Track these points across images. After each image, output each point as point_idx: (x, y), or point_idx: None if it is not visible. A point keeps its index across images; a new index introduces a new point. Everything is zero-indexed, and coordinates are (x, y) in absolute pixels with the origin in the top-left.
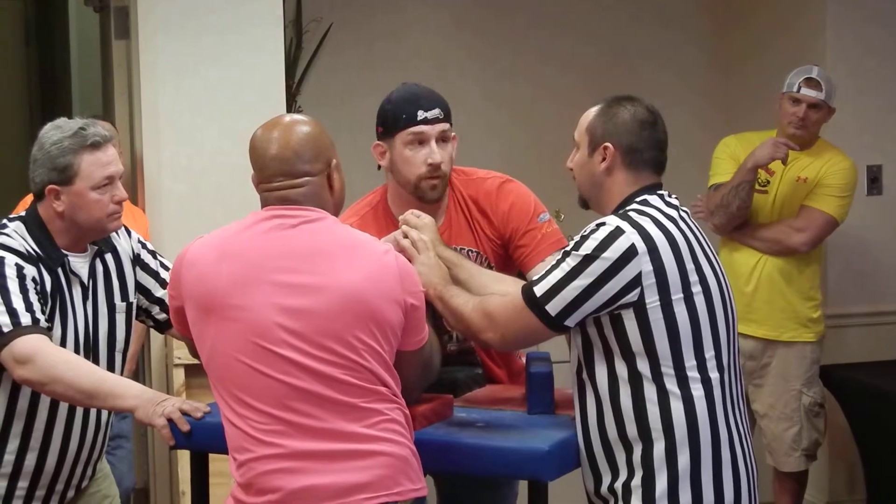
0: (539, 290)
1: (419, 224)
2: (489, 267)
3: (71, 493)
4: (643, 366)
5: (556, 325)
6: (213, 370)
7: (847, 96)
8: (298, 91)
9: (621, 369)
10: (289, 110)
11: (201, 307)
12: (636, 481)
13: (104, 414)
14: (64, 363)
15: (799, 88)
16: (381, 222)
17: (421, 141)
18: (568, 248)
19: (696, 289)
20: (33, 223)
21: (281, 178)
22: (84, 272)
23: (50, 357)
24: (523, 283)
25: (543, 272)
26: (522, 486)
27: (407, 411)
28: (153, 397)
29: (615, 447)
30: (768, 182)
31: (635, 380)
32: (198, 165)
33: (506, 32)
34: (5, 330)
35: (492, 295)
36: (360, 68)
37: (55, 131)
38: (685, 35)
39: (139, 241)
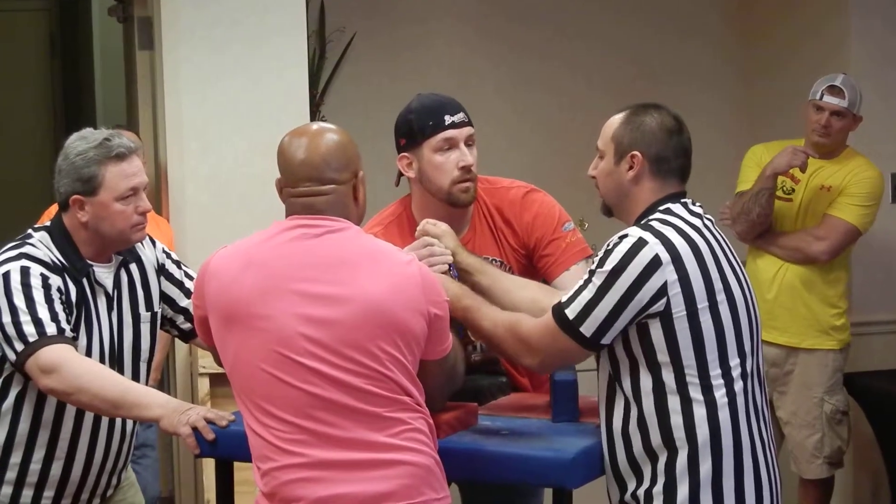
0: (571, 312)
1: (438, 233)
2: (510, 273)
3: (96, 502)
4: (668, 376)
5: (592, 345)
6: (237, 379)
7: (871, 105)
8: (322, 101)
9: (646, 380)
10: (312, 120)
11: (225, 317)
12: (658, 488)
13: (129, 423)
14: (89, 373)
15: (822, 96)
16: (405, 233)
17: (451, 146)
18: (593, 267)
19: (721, 297)
20: (58, 233)
21: (308, 183)
22: (109, 282)
23: (75, 367)
24: (548, 288)
25: (572, 292)
26: (547, 494)
27: (430, 420)
28: (178, 406)
29: (640, 458)
30: (793, 190)
31: (660, 390)
32: (222, 175)
33: (529, 42)
34: (31, 339)
35: (520, 316)
36: (383, 78)
37: (80, 142)
38: (709, 45)
39: (164, 251)
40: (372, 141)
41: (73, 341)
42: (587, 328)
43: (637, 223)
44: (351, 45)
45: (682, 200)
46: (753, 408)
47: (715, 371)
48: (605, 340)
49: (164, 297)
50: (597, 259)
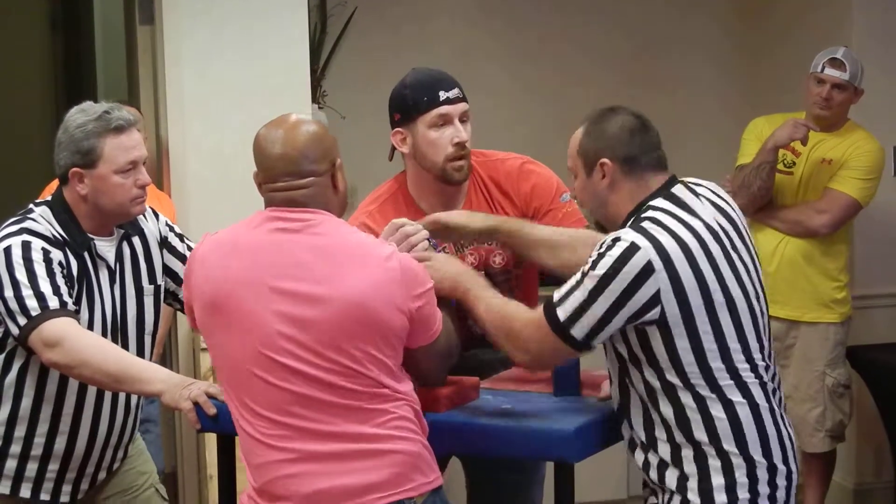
0: (562, 313)
1: (417, 231)
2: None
3: (102, 475)
4: (672, 377)
5: (583, 347)
6: (221, 374)
7: (874, 77)
8: (323, 75)
9: (653, 380)
10: (313, 94)
11: (209, 304)
12: (691, 476)
13: (133, 398)
14: (92, 347)
15: (823, 69)
16: (401, 209)
17: (445, 122)
18: (585, 268)
19: (718, 297)
20: (59, 207)
21: (286, 177)
22: (111, 256)
23: (78, 341)
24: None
25: (565, 291)
26: (549, 469)
27: (417, 405)
28: (180, 382)
29: (662, 447)
30: (794, 163)
31: (669, 390)
32: (223, 150)
33: (531, 16)
34: (34, 313)
35: (515, 309)
36: (385, 52)
37: (80, 114)
38: (711, 19)
39: (167, 224)
40: (373, 114)
41: (76, 315)
42: (578, 331)
43: (629, 224)
44: (352, 19)
45: (670, 191)
46: (772, 396)
47: (720, 371)
48: (596, 342)
49: (167, 271)
50: (590, 260)
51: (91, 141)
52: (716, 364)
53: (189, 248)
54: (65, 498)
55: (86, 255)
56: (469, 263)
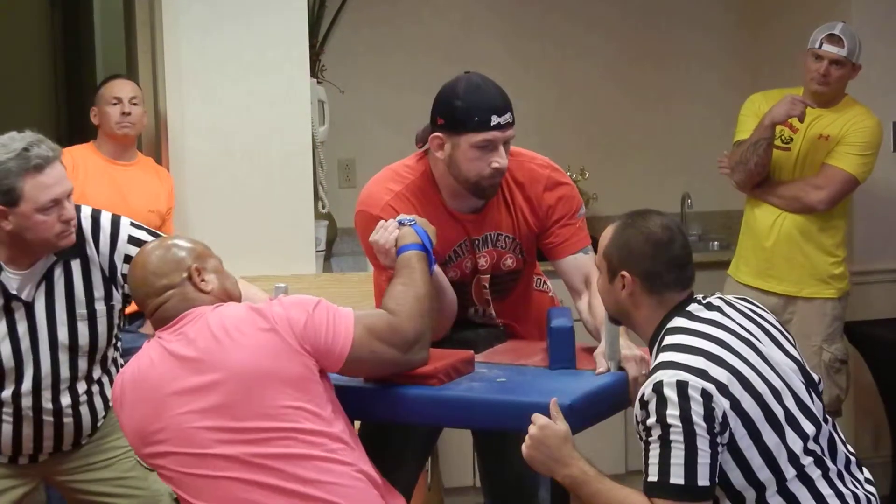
0: (676, 478)
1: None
2: (519, 251)
3: (66, 448)
4: (751, 494)
5: (709, 495)
6: (181, 494)
7: (874, 52)
8: (322, 50)
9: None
10: (312, 68)
11: (140, 442)
12: None
13: (85, 383)
14: None
15: (821, 45)
16: (423, 203)
17: (490, 147)
18: (659, 432)
19: (762, 387)
20: None
21: (150, 300)
22: (27, 287)
23: None
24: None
25: (657, 465)
26: None
27: (347, 440)
28: None
29: None
30: (791, 139)
31: (736, 497)
32: (222, 124)
33: None
34: None
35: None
36: (384, 27)
37: (0, 150)
38: None
39: (129, 239)
40: (372, 88)
41: None
42: (702, 478)
43: (653, 352)
44: None
45: (687, 310)
46: (830, 468)
47: (784, 462)
48: (715, 481)
49: None
50: (650, 421)
51: (10, 181)
52: (779, 454)
53: None
54: (23, 461)
55: None
56: (481, 266)
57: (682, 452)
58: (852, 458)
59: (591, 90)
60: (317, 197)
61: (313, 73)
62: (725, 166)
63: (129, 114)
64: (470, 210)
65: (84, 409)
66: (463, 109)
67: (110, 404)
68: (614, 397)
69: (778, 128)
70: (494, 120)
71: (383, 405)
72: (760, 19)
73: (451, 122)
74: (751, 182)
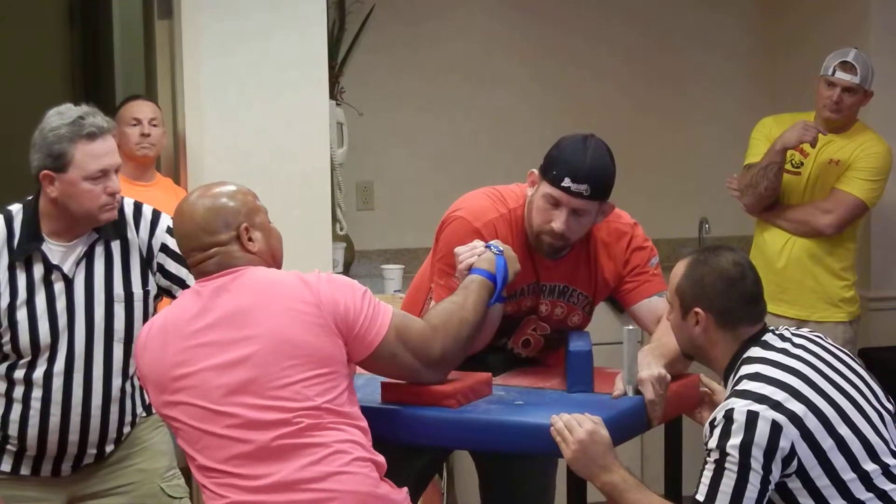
0: None
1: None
2: (589, 309)
3: (88, 460)
4: None
5: None
6: (186, 447)
7: (891, 78)
8: (341, 72)
9: None
10: (331, 91)
11: (158, 387)
12: None
13: (117, 390)
14: None
15: (834, 72)
16: (515, 234)
17: (556, 204)
18: (717, 457)
19: (834, 417)
20: (29, 207)
21: (193, 252)
22: (68, 262)
23: None
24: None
25: (707, 487)
26: (562, 466)
27: (361, 425)
28: None
29: None
30: (801, 164)
31: None
32: (241, 145)
33: (552, 12)
34: None
35: None
36: (404, 49)
37: (56, 117)
38: (732, 17)
39: (168, 229)
40: (390, 110)
41: None
42: None
43: (728, 384)
44: (371, 15)
45: (762, 339)
46: None
47: (855, 484)
48: None
49: (169, 275)
50: (713, 444)
51: (62, 145)
52: (848, 476)
53: None
54: (46, 471)
55: (33, 261)
56: (541, 312)
57: (733, 483)
58: None
59: (610, 112)
60: (334, 219)
61: (332, 95)
62: (735, 188)
63: (148, 135)
64: (548, 254)
65: (114, 408)
66: (552, 158)
67: (138, 419)
68: (632, 421)
69: (789, 152)
70: (566, 182)
71: (400, 426)
72: (779, 43)
73: (543, 166)
74: (760, 205)
